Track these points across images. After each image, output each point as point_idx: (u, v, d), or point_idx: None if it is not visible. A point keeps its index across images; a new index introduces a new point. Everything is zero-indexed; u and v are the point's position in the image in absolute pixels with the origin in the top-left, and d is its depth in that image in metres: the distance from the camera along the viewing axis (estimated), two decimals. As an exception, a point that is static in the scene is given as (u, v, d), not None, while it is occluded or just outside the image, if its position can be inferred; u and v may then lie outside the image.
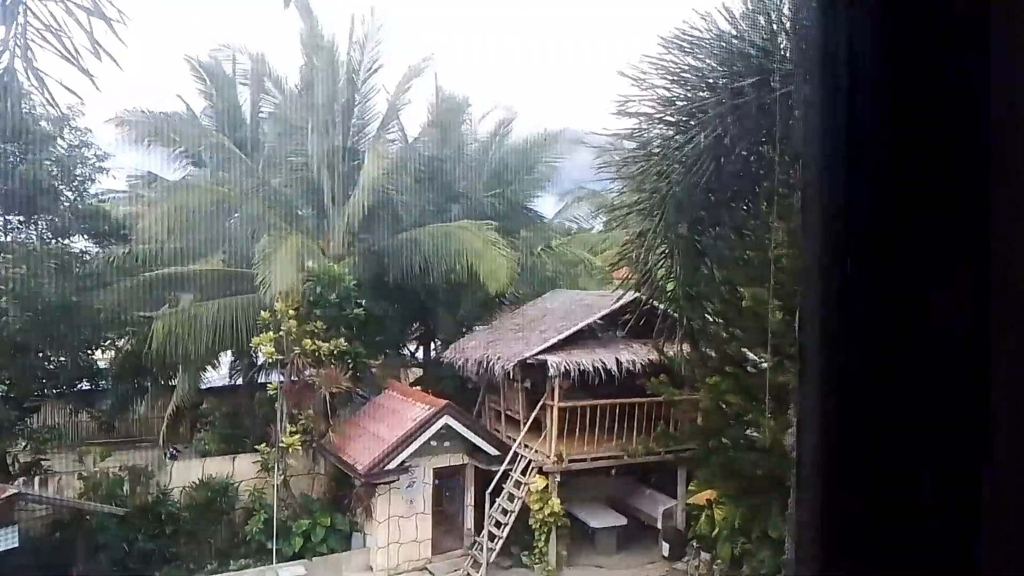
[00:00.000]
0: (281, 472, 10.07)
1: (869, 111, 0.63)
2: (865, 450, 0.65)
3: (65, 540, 9.10)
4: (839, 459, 0.67)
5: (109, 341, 11.00)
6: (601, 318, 10.06)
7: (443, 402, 9.82)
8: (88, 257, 10.61)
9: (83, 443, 10.99)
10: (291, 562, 9.47)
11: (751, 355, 8.18)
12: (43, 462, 9.96)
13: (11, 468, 9.58)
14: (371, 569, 9.80)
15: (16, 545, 8.03)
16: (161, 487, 10.18)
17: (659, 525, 10.07)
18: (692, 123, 5.90)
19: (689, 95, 6.07)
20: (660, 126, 6.36)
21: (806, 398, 0.71)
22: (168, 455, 11.29)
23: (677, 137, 6.08)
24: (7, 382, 9.79)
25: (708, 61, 6.05)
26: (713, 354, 8.28)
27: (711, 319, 8.33)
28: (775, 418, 8.14)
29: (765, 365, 8.20)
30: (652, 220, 6.95)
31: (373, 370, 11.53)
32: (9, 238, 9.88)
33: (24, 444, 9.77)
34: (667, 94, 6.06)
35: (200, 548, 9.99)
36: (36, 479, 9.77)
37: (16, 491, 8.37)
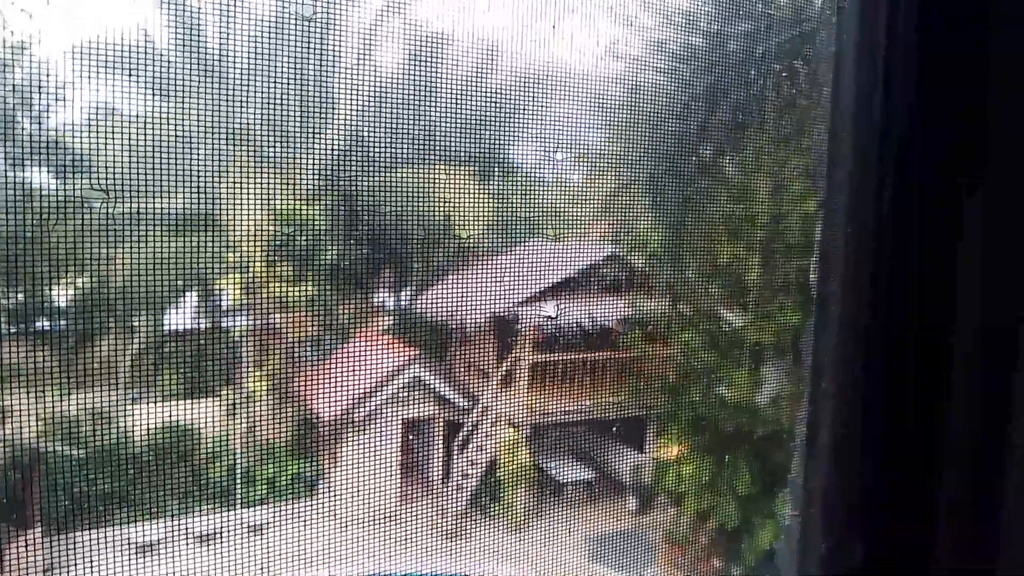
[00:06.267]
0: (246, 417, 9.92)
1: (907, 68, 0.51)
2: (886, 408, 0.53)
3: (23, 481, 8.88)
4: (856, 416, 0.56)
5: (68, 278, 10.65)
6: (578, 271, 9.91)
7: (413, 351, 9.66)
8: (47, 191, 10.19)
9: (42, 383, 10.69)
10: (255, 507, 9.37)
11: (725, 312, 8.12)
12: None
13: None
14: (336, 516, 9.72)
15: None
16: (122, 429, 9.97)
17: (627, 479, 10.10)
18: (683, 69, 5.67)
19: (681, 40, 5.83)
20: (649, 71, 6.13)
21: (821, 349, 0.60)
22: (130, 397, 11.04)
23: (667, 84, 5.85)
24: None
25: (701, 5, 5.79)
26: (688, 310, 8.20)
27: (688, 274, 8.23)
28: (746, 376, 8.12)
29: (739, 323, 8.14)
30: (636, 171, 6.75)
31: (342, 316, 11.33)
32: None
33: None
34: (658, 37, 5.81)
35: (162, 492, 9.84)
36: (-9, 418, 9.49)
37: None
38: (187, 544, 8.84)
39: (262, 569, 8.18)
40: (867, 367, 0.56)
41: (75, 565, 8.34)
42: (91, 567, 8.28)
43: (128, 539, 8.40)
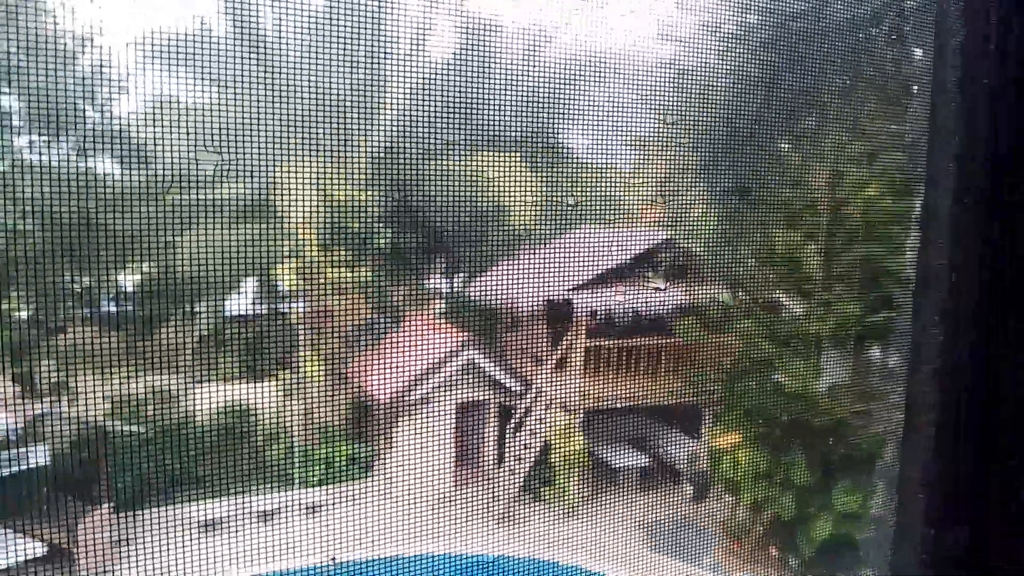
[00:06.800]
0: (303, 400, 10.10)
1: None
2: (988, 396, 0.51)
3: (92, 459, 9.22)
4: (956, 403, 0.53)
5: (133, 264, 10.96)
6: (631, 257, 9.81)
7: (465, 336, 9.72)
8: (111, 179, 10.50)
9: (109, 364, 11.05)
10: (312, 488, 9.56)
11: (784, 300, 7.97)
12: (70, 382, 10.02)
13: (39, 387, 9.66)
14: (390, 498, 9.86)
15: (45, 462, 8.14)
16: (185, 410, 10.26)
17: (682, 466, 10.02)
18: (739, 50, 5.54)
19: (736, 20, 5.70)
20: (705, 52, 6.00)
21: (920, 335, 0.57)
22: (192, 379, 11.34)
23: (722, 65, 5.73)
24: (33, 303, 9.82)
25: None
26: (745, 297, 8.06)
27: (745, 261, 8.08)
28: (805, 364, 7.96)
29: (798, 310, 7.98)
30: (691, 155, 6.63)
31: (395, 301, 11.45)
32: (34, 157, 9.77)
33: (51, 364, 9.82)
34: (713, 18, 5.69)
35: (223, 471, 10.10)
36: (64, 399, 9.84)
37: (44, 410, 8.46)
38: (248, 522, 9.09)
39: (319, 547, 8.36)
40: (973, 355, 0.53)
41: (143, 540, 8.64)
42: (158, 542, 8.56)
43: (192, 516, 8.68)
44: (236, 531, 8.94)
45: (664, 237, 8.70)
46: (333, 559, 7.93)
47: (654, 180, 9.18)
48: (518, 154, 11.60)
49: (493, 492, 9.80)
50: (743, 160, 6.61)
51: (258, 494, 9.59)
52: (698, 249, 8.51)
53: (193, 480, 9.70)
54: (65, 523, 8.11)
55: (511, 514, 9.51)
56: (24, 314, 9.73)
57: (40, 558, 7.54)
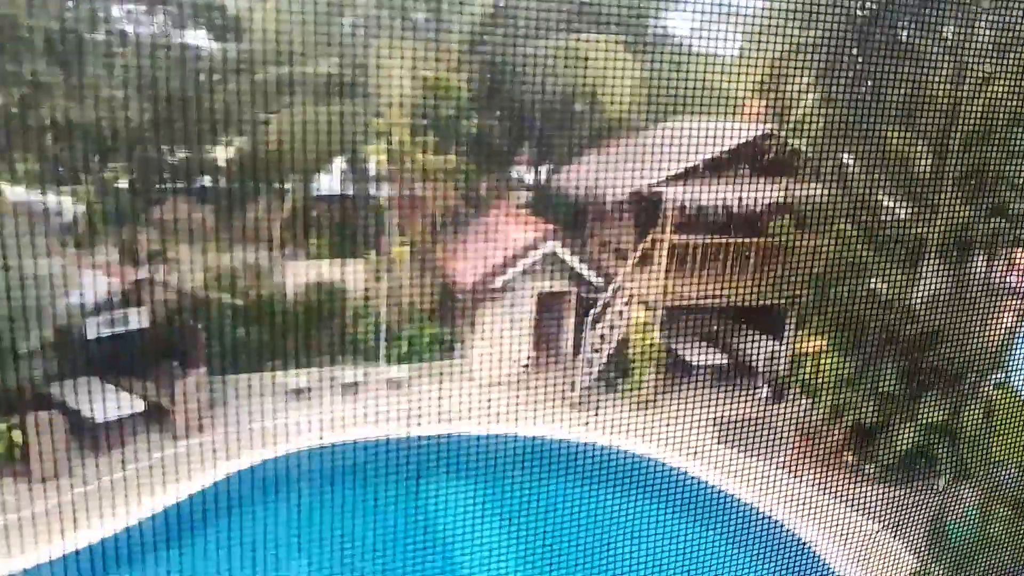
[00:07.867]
0: (389, 280, 10.30)
1: None
2: None
3: (187, 325, 9.71)
4: None
5: (226, 139, 11.17)
6: (726, 151, 9.39)
7: (550, 227, 9.62)
8: (204, 53, 10.57)
9: (203, 236, 11.48)
10: (396, 365, 9.89)
11: (888, 203, 7.51)
12: (167, 252, 10.48)
13: (138, 255, 10.13)
14: (471, 379, 10.12)
15: (145, 326, 8.63)
16: (275, 285, 10.62)
17: (761, 368, 9.88)
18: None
19: None
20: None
21: None
22: (282, 255, 11.69)
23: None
24: (132, 173, 10.18)
25: None
26: (846, 198, 7.63)
27: (850, 160, 7.59)
28: (903, 272, 7.56)
29: (902, 214, 7.51)
30: (800, 43, 6.13)
31: (482, 189, 11.38)
32: (131, 29, 9.90)
33: (150, 233, 10.27)
34: None
35: (310, 345, 10.52)
36: (161, 267, 10.32)
37: (145, 276, 8.92)
38: (333, 392, 9.52)
39: (400, 420, 8.72)
40: None
41: (235, 402, 9.17)
42: (249, 405, 9.07)
43: (281, 384, 9.13)
44: (322, 398, 9.36)
45: (765, 129, 8.24)
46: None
47: (759, 71, 8.60)
48: (619, 39, 11.02)
49: (569, 379, 9.93)
50: (847, 50, 6.07)
51: (344, 366, 9.97)
52: (799, 142, 8.03)
53: (283, 350, 10.14)
54: (163, 383, 8.64)
55: (585, 401, 9.65)
56: (123, 184, 10.11)
57: (140, 414, 8.09)
